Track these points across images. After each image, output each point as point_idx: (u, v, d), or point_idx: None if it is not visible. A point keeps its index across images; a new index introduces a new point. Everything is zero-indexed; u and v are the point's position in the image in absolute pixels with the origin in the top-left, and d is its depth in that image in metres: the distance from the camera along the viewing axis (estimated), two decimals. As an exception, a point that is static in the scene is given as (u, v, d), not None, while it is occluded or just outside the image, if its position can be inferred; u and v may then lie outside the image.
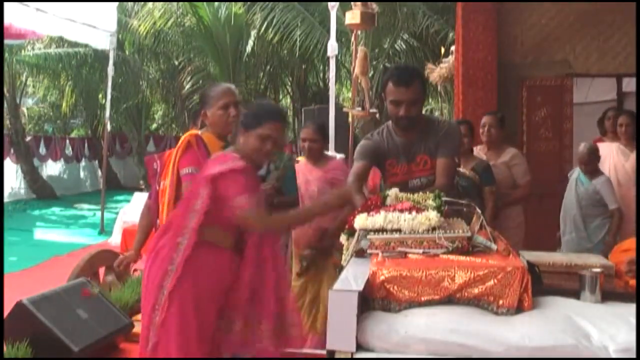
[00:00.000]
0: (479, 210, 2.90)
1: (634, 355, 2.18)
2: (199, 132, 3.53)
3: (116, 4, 11.54)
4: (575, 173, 5.60)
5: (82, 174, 21.68)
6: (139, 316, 4.13)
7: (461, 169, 4.78)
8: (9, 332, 3.99)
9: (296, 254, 4.78)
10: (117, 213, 11.39)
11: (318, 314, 4.65)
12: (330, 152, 6.40)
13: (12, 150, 17.48)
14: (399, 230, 2.67)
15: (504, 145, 5.43)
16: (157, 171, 3.58)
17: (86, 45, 14.70)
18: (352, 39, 7.76)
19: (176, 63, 18.39)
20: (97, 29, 10.64)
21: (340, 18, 8.48)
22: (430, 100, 16.99)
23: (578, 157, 5.54)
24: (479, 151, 5.37)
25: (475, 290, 2.37)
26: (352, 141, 7.13)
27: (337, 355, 2.27)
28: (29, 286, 5.78)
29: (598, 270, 2.59)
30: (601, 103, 7.30)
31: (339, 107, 8.20)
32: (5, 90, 16.83)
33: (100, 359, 4.49)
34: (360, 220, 2.79)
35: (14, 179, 17.87)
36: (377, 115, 7.64)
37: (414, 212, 2.70)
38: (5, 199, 16.10)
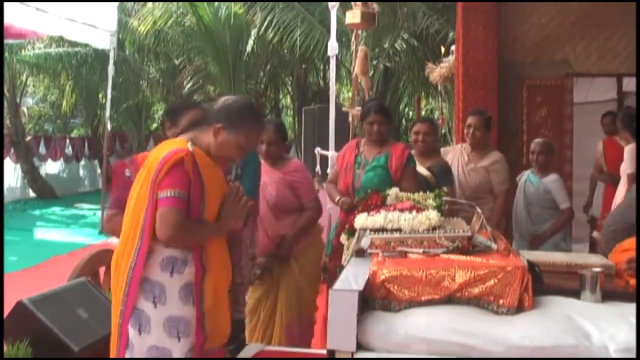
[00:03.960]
0: (479, 210, 2.91)
1: (634, 355, 2.18)
2: (189, 145, 2.72)
3: (116, 3, 11.52)
4: (525, 176, 5.42)
5: (82, 174, 21.67)
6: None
7: (417, 168, 4.61)
8: (9, 332, 3.98)
9: None
10: (117, 213, 11.38)
11: (274, 333, 4.24)
12: (330, 152, 6.38)
13: (12, 150, 17.46)
14: (399, 230, 2.67)
15: (489, 148, 5.25)
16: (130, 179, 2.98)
17: (86, 45, 14.67)
18: (353, 38, 7.78)
19: (176, 63, 18.38)
20: (97, 29, 10.61)
21: (340, 18, 8.47)
22: (430, 100, 17.00)
23: (530, 152, 5.36)
24: (463, 150, 5.21)
25: (476, 290, 2.37)
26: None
27: (337, 355, 2.27)
28: (29, 286, 5.77)
29: (598, 269, 2.59)
30: (601, 103, 7.29)
31: (339, 107, 8.19)
32: (5, 89, 16.83)
33: (100, 359, 4.48)
34: (361, 220, 2.79)
35: (14, 179, 17.87)
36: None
37: (414, 212, 2.71)
38: (5, 199, 16.10)
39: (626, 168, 5.40)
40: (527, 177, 5.36)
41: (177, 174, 2.63)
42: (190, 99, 16.61)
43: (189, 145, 2.70)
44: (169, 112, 3.56)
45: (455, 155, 5.19)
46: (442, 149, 5.27)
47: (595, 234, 6.21)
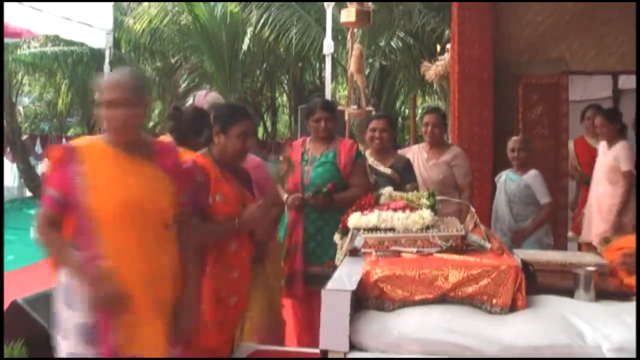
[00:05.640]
0: (472, 209, 2.90)
1: (628, 355, 2.17)
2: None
3: (112, 2, 11.50)
4: (504, 175, 5.40)
5: (78, 173, 21.66)
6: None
7: (380, 167, 4.56)
8: (3, 332, 3.98)
9: None
10: (113, 212, 11.38)
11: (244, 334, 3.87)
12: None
13: (8, 149, 17.43)
14: (392, 229, 2.67)
15: (447, 143, 5.32)
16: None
17: (82, 44, 14.66)
18: (348, 36, 7.76)
19: (172, 61, 18.35)
20: (93, 28, 10.58)
21: (336, 16, 8.47)
22: (426, 97, 17.01)
23: (509, 150, 5.32)
24: (421, 149, 5.21)
25: (469, 289, 2.37)
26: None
27: (330, 355, 2.26)
28: (25, 285, 5.76)
29: (592, 268, 2.59)
30: (597, 101, 7.29)
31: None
32: (1, 89, 16.80)
33: (97, 359, 4.47)
34: (354, 219, 2.78)
35: (11, 178, 17.84)
36: (373, 113, 7.63)
37: (407, 211, 2.71)
38: (2, 198, 16.09)
39: (621, 165, 5.39)
40: (506, 176, 5.34)
41: (51, 173, 2.61)
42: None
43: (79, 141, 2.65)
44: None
45: (414, 154, 5.16)
46: (399, 150, 5.22)
47: (570, 233, 6.23)
